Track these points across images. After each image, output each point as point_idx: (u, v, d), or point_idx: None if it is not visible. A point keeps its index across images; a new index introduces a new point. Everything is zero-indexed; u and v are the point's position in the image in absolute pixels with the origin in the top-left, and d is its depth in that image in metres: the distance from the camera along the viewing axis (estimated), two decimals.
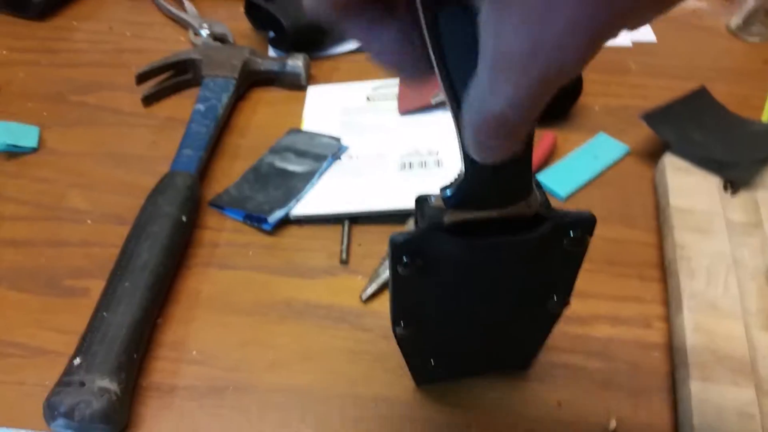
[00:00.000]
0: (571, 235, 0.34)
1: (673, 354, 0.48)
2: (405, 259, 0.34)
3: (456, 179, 0.31)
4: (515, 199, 0.32)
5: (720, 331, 0.47)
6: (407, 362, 0.46)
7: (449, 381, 0.49)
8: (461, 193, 0.31)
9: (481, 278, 0.37)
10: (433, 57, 0.24)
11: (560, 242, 0.34)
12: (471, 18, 0.22)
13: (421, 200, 0.35)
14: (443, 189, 0.32)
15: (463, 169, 0.29)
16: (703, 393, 0.44)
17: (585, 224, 0.34)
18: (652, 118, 0.64)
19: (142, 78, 0.73)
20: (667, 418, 0.46)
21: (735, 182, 0.58)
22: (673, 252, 0.53)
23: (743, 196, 0.57)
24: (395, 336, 0.41)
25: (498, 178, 0.29)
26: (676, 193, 0.57)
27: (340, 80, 0.75)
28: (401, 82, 0.28)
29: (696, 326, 0.47)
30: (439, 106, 0.68)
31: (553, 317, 0.41)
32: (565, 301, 0.39)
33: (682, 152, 0.61)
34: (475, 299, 0.39)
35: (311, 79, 0.76)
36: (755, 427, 0.42)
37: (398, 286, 0.37)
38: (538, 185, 0.33)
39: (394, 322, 0.39)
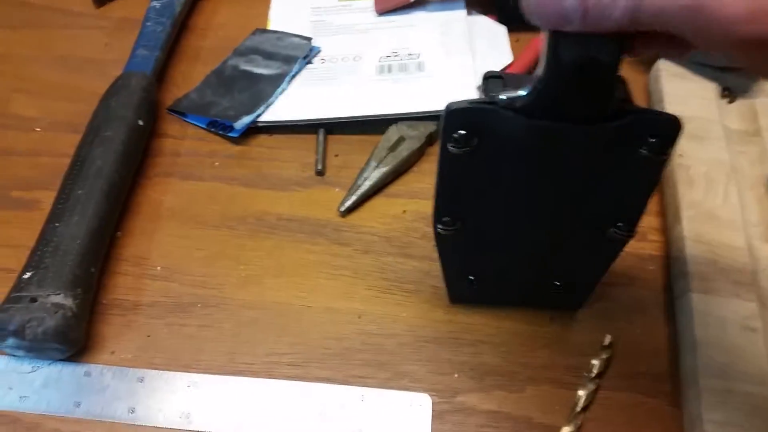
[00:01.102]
0: (652, 140, 0.30)
1: (671, 266, 0.46)
2: (459, 134, 0.30)
3: (533, 85, 0.28)
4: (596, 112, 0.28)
5: (721, 241, 0.45)
6: (444, 272, 0.42)
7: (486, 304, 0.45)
8: (537, 99, 0.28)
9: (542, 176, 0.33)
10: None
11: (637, 147, 0.30)
12: None
13: (488, 77, 0.32)
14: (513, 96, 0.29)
15: (542, 73, 0.27)
16: (705, 305, 0.42)
17: (669, 128, 0.29)
18: None
19: None
20: (663, 332, 0.44)
21: (732, 89, 0.55)
22: (672, 161, 0.50)
23: (741, 104, 0.54)
24: (435, 235, 0.37)
25: (580, 83, 0.27)
26: (671, 99, 0.54)
27: None
28: None
29: (696, 236, 0.45)
30: (418, 4, 0.62)
31: (614, 249, 0.37)
32: (630, 231, 0.35)
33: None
34: (531, 203, 0.34)
35: None
36: (757, 341, 0.41)
37: (446, 170, 0.33)
38: (622, 80, 0.29)
39: (436, 217, 0.36)
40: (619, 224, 0.35)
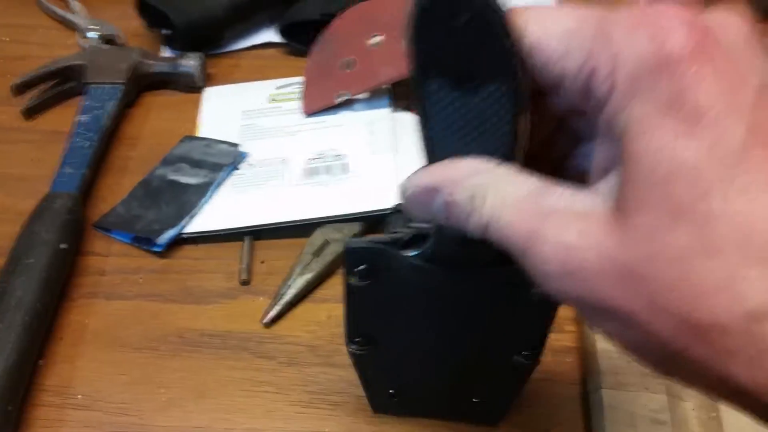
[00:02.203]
0: None
1: (584, 360, 0.46)
2: (359, 269, 0.31)
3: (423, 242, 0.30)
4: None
5: None
6: (363, 386, 0.42)
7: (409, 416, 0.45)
8: (429, 253, 0.30)
9: (442, 312, 0.33)
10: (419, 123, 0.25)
11: (530, 288, 0.30)
12: (456, 90, 0.23)
13: (396, 210, 0.34)
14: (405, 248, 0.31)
15: (431, 240, 0.29)
16: (614, 400, 0.42)
17: None
18: None
19: (20, 88, 0.66)
20: (581, 428, 0.44)
21: None
22: None
23: None
24: (350, 355, 0.37)
25: (465, 250, 0.28)
26: None
27: (242, 79, 0.70)
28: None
29: None
30: (345, 104, 0.63)
31: (522, 373, 0.37)
32: (535, 357, 0.35)
33: None
34: (434, 333, 0.35)
35: (209, 79, 0.70)
36: None
37: (351, 299, 0.34)
38: None
39: (348, 338, 0.36)
40: (524, 352, 0.35)
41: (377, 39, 0.62)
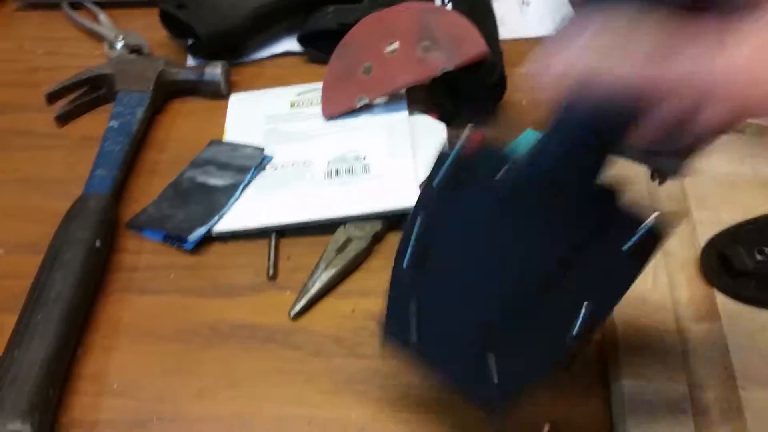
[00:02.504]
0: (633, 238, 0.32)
1: (606, 352, 0.48)
2: (444, 171, 0.34)
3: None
4: None
5: (651, 325, 0.46)
6: (388, 315, 0.40)
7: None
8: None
9: (510, 249, 0.35)
10: None
11: (622, 238, 0.31)
12: None
13: None
14: None
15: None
16: (636, 391, 0.43)
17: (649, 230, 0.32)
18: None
19: (52, 97, 0.69)
20: (602, 418, 0.45)
21: (661, 170, 0.58)
22: None
23: (670, 185, 0.57)
24: (392, 276, 0.38)
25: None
26: None
27: (264, 86, 0.73)
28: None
29: (626, 322, 0.47)
30: (363, 108, 0.66)
31: (565, 355, 0.35)
32: (586, 335, 0.33)
33: None
34: (489, 269, 0.35)
35: (233, 87, 0.73)
36: (689, 423, 0.42)
37: (424, 204, 0.35)
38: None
39: (400, 252, 0.37)
40: (575, 327, 0.34)
41: (393, 46, 0.65)
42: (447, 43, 0.62)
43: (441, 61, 0.62)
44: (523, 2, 0.86)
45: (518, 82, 0.73)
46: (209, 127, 0.68)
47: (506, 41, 0.81)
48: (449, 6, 0.72)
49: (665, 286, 0.48)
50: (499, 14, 0.83)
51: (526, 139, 0.66)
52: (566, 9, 0.85)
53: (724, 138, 0.31)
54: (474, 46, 0.61)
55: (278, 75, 0.75)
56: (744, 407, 0.43)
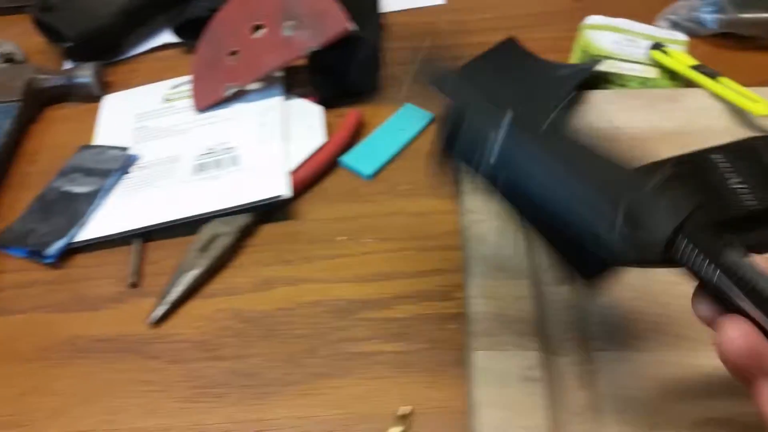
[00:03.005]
0: None
1: (466, 324, 0.46)
2: None
3: None
4: None
5: (507, 293, 0.45)
6: None
7: None
8: None
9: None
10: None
11: None
12: None
13: None
14: None
15: None
16: (488, 362, 0.42)
17: None
18: (444, 81, 0.61)
19: None
20: (462, 393, 0.44)
21: None
22: (464, 217, 0.50)
23: None
24: None
25: None
26: None
27: (143, 82, 0.70)
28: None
29: (482, 292, 0.45)
30: (237, 96, 0.63)
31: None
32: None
33: None
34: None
35: (110, 87, 0.70)
36: (536, 391, 0.40)
37: None
38: None
39: None
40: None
41: (259, 29, 0.62)
42: (311, 21, 0.60)
43: (306, 41, 0.60)
44: None
45: (402, 56, 0.70)
46: (83, 132, 0.66)
47: (396, 13, 0.79)
48: None
49: (523, 253, 0.47)
50: None
51: (405, 113, 0.64)
52: None
53: None
54: (336, 22, 0.59)
55: (157, 70, 0.72)
56: (598, 371, 0.42)
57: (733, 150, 0.55)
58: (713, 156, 0.54)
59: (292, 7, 0.60)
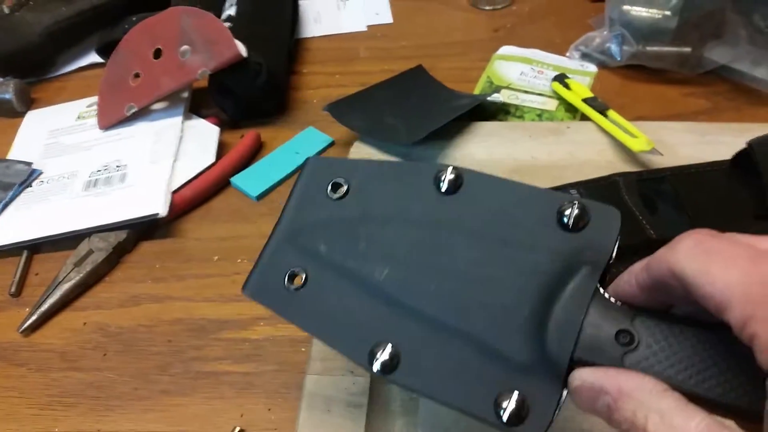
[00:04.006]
0: None
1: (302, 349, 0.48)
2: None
3: None
4: None
5: None
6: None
7: None
8: None
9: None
10: None
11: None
12: None
13: None
14: None
15: None
16: (316, 386, 0.43)
17: None
18: (340, 107, 0.63)
19: None
20: (293, 417, 0.45)
21: None
22: None
23: None
24: None
25: None
26: None
27: (68, 99, 0.73)
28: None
29: None
30: (140, 115, 0.66)
31: None
32: None
33: (371, 138, 0.61)
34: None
35: (36, 103, 0.74)
36: (360, 418, 0.42)
37: None
38: None
39: None
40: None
41: (160, 53, 0.65)
42: (204, 46, 0.62)
43: (199, 65, 0.62)
44: None
45: (315, 80, 0.73)
46: (1, 146, 0.69)
47: (322, 38, 0.81)
48: (233, 9, 0.73)
49: None
50: (316, 12, 0.84)
51: (305, 136, 0.66)
52: (384, 3, 0.85)
53: None
54: (227, 48, 0.61)
55: (82, 88, 0.75)
56: (420, 400, 0.43)
57: (592, 186, 0.56)
58: (571, 191, 0.55)
59: (188, 33, 0.63)
